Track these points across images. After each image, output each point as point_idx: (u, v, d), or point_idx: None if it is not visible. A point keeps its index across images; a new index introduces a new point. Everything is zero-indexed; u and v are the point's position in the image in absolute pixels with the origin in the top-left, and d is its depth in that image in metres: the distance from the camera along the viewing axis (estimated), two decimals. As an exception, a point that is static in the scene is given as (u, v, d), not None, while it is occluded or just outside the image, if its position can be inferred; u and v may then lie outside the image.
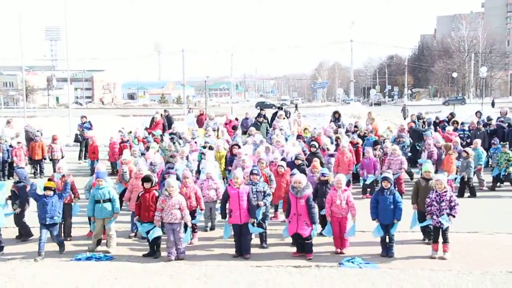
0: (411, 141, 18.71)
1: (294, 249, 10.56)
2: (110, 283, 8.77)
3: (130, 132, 20.54)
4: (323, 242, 10.87)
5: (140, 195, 10.57)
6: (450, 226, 10.08)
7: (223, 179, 14.72)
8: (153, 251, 10.50)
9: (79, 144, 23.56)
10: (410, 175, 17.03)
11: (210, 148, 16.28)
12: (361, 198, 14.62)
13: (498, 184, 16.36)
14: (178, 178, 11.61)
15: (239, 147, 15.12)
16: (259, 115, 23.43)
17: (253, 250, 10.56)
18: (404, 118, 38.38)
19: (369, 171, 15.26)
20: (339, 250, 10.53)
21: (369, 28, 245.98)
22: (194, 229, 11.40)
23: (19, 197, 11.50)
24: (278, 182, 12.27)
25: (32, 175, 19.12)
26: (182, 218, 10.21)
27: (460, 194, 15.03)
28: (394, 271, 9.31)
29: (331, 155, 15.46)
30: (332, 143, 16.75)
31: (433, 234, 10.23)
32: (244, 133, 21.26)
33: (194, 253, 10.67)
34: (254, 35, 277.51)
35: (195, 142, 17.09)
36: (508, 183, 16.27)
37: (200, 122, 25.16)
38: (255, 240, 11.04)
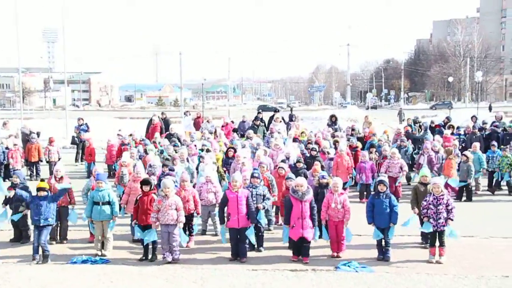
0: (413, 146, 18.74)
1: (289, 252, 10.52)
2: (105, 286, 8.72)
3: (131, 135, 20.53)
4: (320, 246, 10.86)
5: (138, 198, 10.53)
6: (446, 230, 10.10)
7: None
8: (147, 254, 10.46)
9: (75, 146, 23.51)
10: (408, 179, 17.06)
11: (208, 150, 16.25)
12: (359, 202, 14.59)
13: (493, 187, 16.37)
14: (176, 181, 11.62)
15: (235, 150, 15.10)
16: (256, 118, 23.43)
17: (250, 254, 10.54)
18: (400, 122, 38.49)
19: (367, 175, 15.24)
20: (335, 254, 10.52)
21: (366, 32, 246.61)
22: (191, 232, 11.38)
23: (23, 198, 11.28)
24: (279, 184, 12.23)
25: (28, 177, 18.97)
26: (178, 218, 10.17)
27: (459, 198, 15.10)
28: (390, 275, 9.29)
29: (331, 159, 15.48)
30: (330, 146, 16.76)
31: (430, 237, 10.23)
32: (241, 136, 21.24)
33: (190, 257, 10.64)
34: (252, 38, 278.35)
35: (195, 146, 17.05)
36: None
37: (197, 125, 25.16)
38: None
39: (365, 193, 15.22)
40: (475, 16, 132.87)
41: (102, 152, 20.98)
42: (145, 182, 10.59)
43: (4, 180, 18.46)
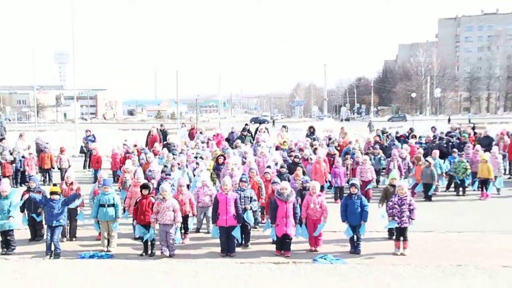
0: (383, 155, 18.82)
1: (273, 247, 10.53)
2: (110, 278, 8.69)
3: (136, 146, 20.49)
4: (300, 241, 10.88)
5: (137, 200, 10.50)
6: (409, 227, 10.20)
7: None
8: (147, 250, 10.44)
9: (84, 155, 23.41)
10: (377, 182, 17.15)
11: (201, 158, 16.23)
12: (334, 203, 14.64)
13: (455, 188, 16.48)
14: (173, 185, 11.62)
15: (224, 157, 15.11)
16: (243, 129, 23.47)
17: (238, 249, 10.54)
18: (370, 132, 38.66)
19: (341, 178, 15.29)
20: (313, 248, 10.55)
21: (341, 53, 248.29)
22: (186, 231, 11.36)
23: (37, 201, 11.10)
24: (266, 187, 12.23)
25: (42, 182, 18.88)
26: (175, 219, 10.17)
27: (427, 198, 15.31)
28: (361, 266, 9.33)
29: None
30: (310, 154, 16.79)
31: (395, 233, 10.32)
32: (230, 145, 21.23)
33: (185, 252, 10.61)
34: (240, 59, 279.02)
35: (192, 154, 17.01)
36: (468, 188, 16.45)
37: (191, 135, 25.14)
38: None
39: (339, 194, 15.30)
40: (434, 40, 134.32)
41: (107, 160, 20.89)
42: (144, 186, 10.60)
43: (21, 185, 18.44)
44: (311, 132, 23.08)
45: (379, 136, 22.00)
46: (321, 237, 10.59)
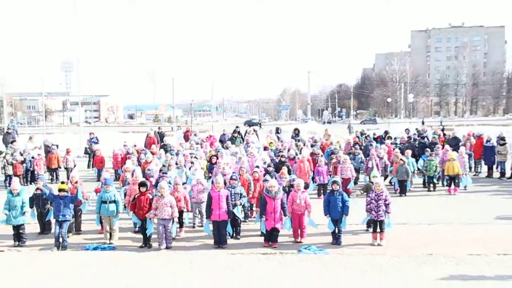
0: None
1: (261, 239, 10.52)
2: (112, 269, 8.65)
3: (135, 146, 20.40)
4: (286, 234, 10.88)
5: (136, 196, 10.50)
6: (385, 220, 10.26)
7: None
8: (146, 242, 10.41)
9: (88, 155, 23.26)
10: (356, 179, 17.18)
11: (195, 158, 16.17)
12: (317, 199, 14.66)
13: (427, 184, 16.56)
14: (170, 183, 11.58)
15: (217, 157, 15.07)
16: (234, 131, 23.41)
17: (229, 241, 10.51)
18: (350, 134, 38.77)
19: (324, 176, 15.23)
20: (298, 240, 10.56)
21: (323, 61, 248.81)
22: (181, 225, 11.32)
23: (47, 196, 11.18)
24: (254, 184, 12.21)
25: (50, 181, 18.86)
26: (172, 214, 10.15)
27: (400, 193, 15.36)
28: (342, 256, 9.38)
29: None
30: (296, 154, 16.79)
31: (373, 226, 10.36)
32: (222, 146, 21.16)
33: (181, 244, 10.57)
34: (231, 67, 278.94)
35: (190, 154, 16.92)
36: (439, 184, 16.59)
37: (186, 137, 25.04)
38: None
39: (322, 191, 15.32)
40: (407, 50, 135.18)
41: (109, 160, 20.77)
42: (142, 184, 10.60)
43: (30, 183, 18.28)
44: (296, 133, 23.07)
45: (358, 137, 22.07)
46: (305, 229, 10.62)
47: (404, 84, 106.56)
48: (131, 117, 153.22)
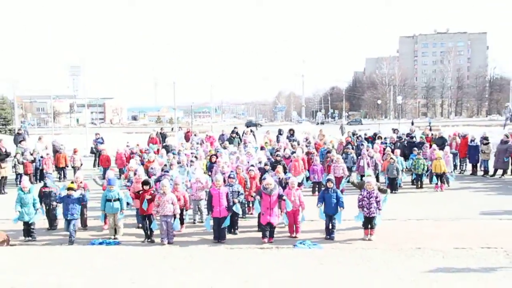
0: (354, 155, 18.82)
1: (259, 234, 10.48)
2: (117, 262, 8.61)
3: (138, 145, 20.35)
4: (282, 229, 10.89)
5: (139, 192, 10.56)
6: (376, 217, 10.25)
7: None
8: (148, 237, 10.40)
9: (93, 155, 23.23)
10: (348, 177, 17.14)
11: (196, 157, 16.13)
12: (311, 196, 14.65)
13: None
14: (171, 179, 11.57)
15: (217, 156, 15.04)
16: (232, 131, 23.39)
17: (228, 236, 10.51)
18: (342, 134, 38.70)
19: (318, 175, 15.16)
20: (293, 235, 10.54)
21: (316, 65, 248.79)
22: (182, 222, 11.27)
23: (58, 201, 11.31)
24: (250, 182, 12.20)
25: (57, 179, 18.85)
26: (174, 210, 10.11)
27: (393, 190, 15.19)
28: (335, 250, 9.37)
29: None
30: (291, 153, 16.74)
31: (364, 222, 10.33)
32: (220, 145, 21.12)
33: (182, 239, 10.55)
34: (229, 70, 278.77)
35: (191, 153, 16.86)
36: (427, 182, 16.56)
37: (187, 137, 24.99)
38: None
39: (316, 188, 15.29)
40: (396, 55, 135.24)
41: (114, 159, 20.67)
42: (145, 182, 10.60)
43: (39, 181, 18.20)
44: (291, 134, 23.05)
45: (350, 137, 22.03)
46: (300, 225, 10.60)
47: (393, 87, 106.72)
48: (134, 118, 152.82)
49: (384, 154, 17.13)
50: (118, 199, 10.67)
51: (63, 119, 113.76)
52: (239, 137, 23.00)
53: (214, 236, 10.35)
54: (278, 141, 21.77)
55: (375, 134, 22.94)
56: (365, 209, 10.20)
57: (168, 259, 8.78)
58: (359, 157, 16.82)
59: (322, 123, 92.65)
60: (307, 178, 15.64)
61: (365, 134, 23.68)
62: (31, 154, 18.82)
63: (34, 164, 18.74)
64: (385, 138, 21.25)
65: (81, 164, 19.62)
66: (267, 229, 10.03)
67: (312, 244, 9.86)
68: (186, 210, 11.36)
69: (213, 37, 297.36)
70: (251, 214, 12.40)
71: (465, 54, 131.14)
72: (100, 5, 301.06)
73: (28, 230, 10.80)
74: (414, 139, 19.92)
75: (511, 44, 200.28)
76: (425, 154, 16.99)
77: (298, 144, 19.53)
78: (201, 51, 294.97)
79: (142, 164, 15.46)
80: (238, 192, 10.88)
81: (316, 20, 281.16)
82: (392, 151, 17.05)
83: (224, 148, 18.73)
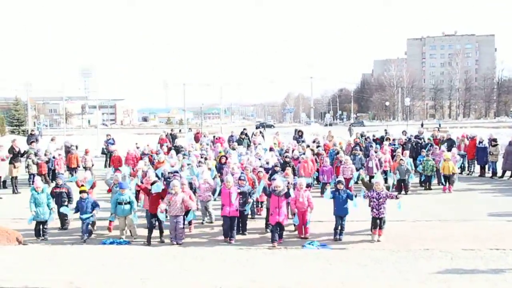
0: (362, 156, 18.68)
1: (267, 235, 10.41)
2: (128, 261, 8.64)
3: (148, 145, 20.42)
4: (291, 230, 10.88)
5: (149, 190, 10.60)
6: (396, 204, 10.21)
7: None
8: (149, 239, 10.35)
9: (104, 155, 23.35)
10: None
11: (205, 158, 16.15)
12: (320, 197, 14.57)
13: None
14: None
15: (226, 158, 15.04)
16: (242, 133, 23.39)
17: (237, 237, 10.50)
18: (350, 136, 38.54)
19: (328, 176, 15.09)
20: (302, 236, 10.52)
21: (325, 67, 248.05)
22: (190, 222, 11.21)
23: (67, 195, 11.56)
24: (258, 182, 12.15)
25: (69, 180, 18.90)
26: (188, 206, 10.18)
27: (399, 191, 15.09)
28: (344, 251, 9.34)
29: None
30: (300, 154, 16.67)
31: (373, 222, 10.27)
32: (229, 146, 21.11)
33: (191, 240, 10.57)
34: (239, 72, 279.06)
35: (200, 155, 16.88)
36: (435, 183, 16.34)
37: (196, 138, 25.03)
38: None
39: (325, 189, 15.15)
40: (404, 57, 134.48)
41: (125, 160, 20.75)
42: (154, 183, 10.62)
43: (52, 181, 18.35)
44: (299, 135, 22.97)
45: (358, 139, 21.92)
46: (309, 226, 10.57)
47: (401, 89, 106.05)
48: (145, 119, 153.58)
49: (393, 155, 17.03)
50: (129, 202, 10.70)
51: (75, 120, 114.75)
52: (249, 138, 22.99)
53: (224, 235, 10.35)
54: (298, 141, 21.48)
55: (382, 138, 22.80)
56: (374, 210, 10.14)
57: (178, 259, 8.80)
58: (367, 159, 16.73)
59: (331, 124, 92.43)
60: (316, 179, 15.60)
61: (374, 136, 23.56)
62: (45, 155, 18.95)
63: (47, 164, 18.86)
64: (393, 140, 21.13)
65: (92, 165, 19.71)
66: (276, 232, 9.99)
67: (320, 244, 9.83)
68: (194, 209, 11.35)
69: (223, 39, 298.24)
70: (259, 214, 12.39)
71: (473, 56, 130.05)
72: (111, 8, 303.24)
73: (40, 230, 10.89)
74: (422, 141, 19.78)
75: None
76: (435, 154, 16.83)
77: (308, 146, 19.49)
78: (211, 53, 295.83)
79: (152, 164, 15.50)
80: (249, 192, 10.92)
81: (324, 22, 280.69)
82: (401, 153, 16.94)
83: (233, 149, 18.74)
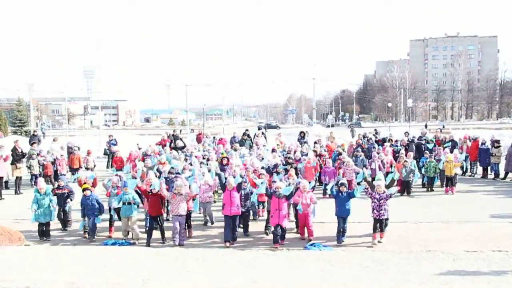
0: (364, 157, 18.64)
1: (270, 237, 10.40)
2: (130, 262, 8.66)
3: (150, 146, 20.45)
4: (293, 232, 10.88)
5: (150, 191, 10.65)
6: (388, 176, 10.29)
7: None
8: (148, 242, 10.34)
9: (107, 156, 23.37)
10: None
11: (208, 159, 16.14)
12: (322, 198, 14.57)
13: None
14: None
15: (228, 159, 15.03)
16: (244, 134, 23.39)
17: (239, 238, 10.50)
18: (352, 137, 38.49)
19: (330, 177, 15.10)
20: (304, 237, 10.50)
21: (327, 68, 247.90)
22: (190, 226, 11.18)
23: (69, 196, 11.58)
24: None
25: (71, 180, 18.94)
26: (186, 211, 10.20)
27: (402, 193, 15.07)
28: (345, 252, 9.34)
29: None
30: (302, 155, 16.66)
31: (374, 224, 10.22)
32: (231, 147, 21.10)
33: (193, 241, 10.59)
34: (241, 73, 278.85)
35: (203, 156, 16.88)
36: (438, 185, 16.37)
37: (199, 139, 25.05)
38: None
39: (327, 190, 15.15)
40: (406, 58, 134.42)
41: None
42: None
43: (55, 181, 18.36)
44: (302, 136, 22.94)
45: (361, 140, 21.89)
46: (312, 227, 10.55)
47: (403, 90, 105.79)
48: (147, 120, 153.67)
49: (395, 157, 17.00)
50: (133, 202, 10.69)
51: (77, 121, 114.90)
52: (251, 140, 22.99)
53: (225, 235, 10.29)
54: (301, 142, 21.43)
55: (384, 140, 22.77)
56: (375, 211, 10.12)
57: (180, 260, 8.81)
58: (369, 160, 16.70)
59: (333, 125, 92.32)
60: (319, 180, 15.59)
61: (375, 136, 23.53)
62: (48, 153, 18.95)
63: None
64: (396, 141, 21.10)
65: (95, 166, 19.67)
66: (278, 234, 9.97)
67: (322, 246, 9.82)
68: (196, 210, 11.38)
69: (225, 39, 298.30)
70: (262, 216, 12.38)
71: (475, 58, 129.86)
72: (113, 8, 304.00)
73: (43, 231, 10.92)
74: (424, 142, 19.74)
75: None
76: (438, 156, 16.78)
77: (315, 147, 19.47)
78: (212, 53, 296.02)
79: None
80: (251, 192, 10.95)
81: (327, 23, 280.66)
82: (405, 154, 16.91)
83: (235, 150, 18.74)
